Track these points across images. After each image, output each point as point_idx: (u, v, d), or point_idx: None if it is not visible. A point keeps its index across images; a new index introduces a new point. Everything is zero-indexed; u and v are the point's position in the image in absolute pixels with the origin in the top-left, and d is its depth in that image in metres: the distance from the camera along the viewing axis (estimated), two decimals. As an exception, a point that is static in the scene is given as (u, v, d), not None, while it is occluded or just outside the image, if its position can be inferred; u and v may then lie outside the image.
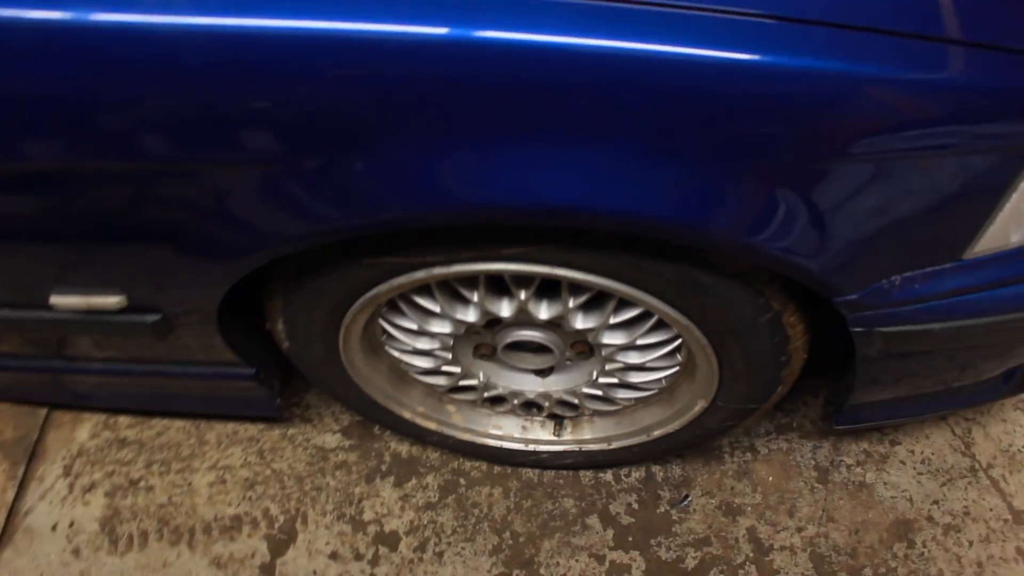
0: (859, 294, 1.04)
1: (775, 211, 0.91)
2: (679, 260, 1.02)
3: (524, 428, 1.57)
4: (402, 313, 1.26)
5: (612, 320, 1.19)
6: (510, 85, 0.80)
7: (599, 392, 1.40)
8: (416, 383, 1.51)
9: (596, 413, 1.52)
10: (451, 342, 1.30)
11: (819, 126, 0.82)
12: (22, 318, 1.19)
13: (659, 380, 1.34)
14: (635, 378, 1.33)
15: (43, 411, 1.81)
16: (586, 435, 1.54)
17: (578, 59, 0.78)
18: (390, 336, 1.33)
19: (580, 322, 1.20)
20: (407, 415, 1.54)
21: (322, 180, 0.89)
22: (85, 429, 1.79)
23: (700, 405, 1.34)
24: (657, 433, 1.45)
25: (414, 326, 1.27)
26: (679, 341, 1.24)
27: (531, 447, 1.56)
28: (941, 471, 1.58)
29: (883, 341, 1.13)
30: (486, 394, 1.47)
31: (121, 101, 0.82)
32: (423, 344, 1.32)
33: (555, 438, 1.55)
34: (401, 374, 1.49)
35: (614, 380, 1.35)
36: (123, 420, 1.79)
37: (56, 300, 1.12)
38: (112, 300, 1.11)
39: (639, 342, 1.24)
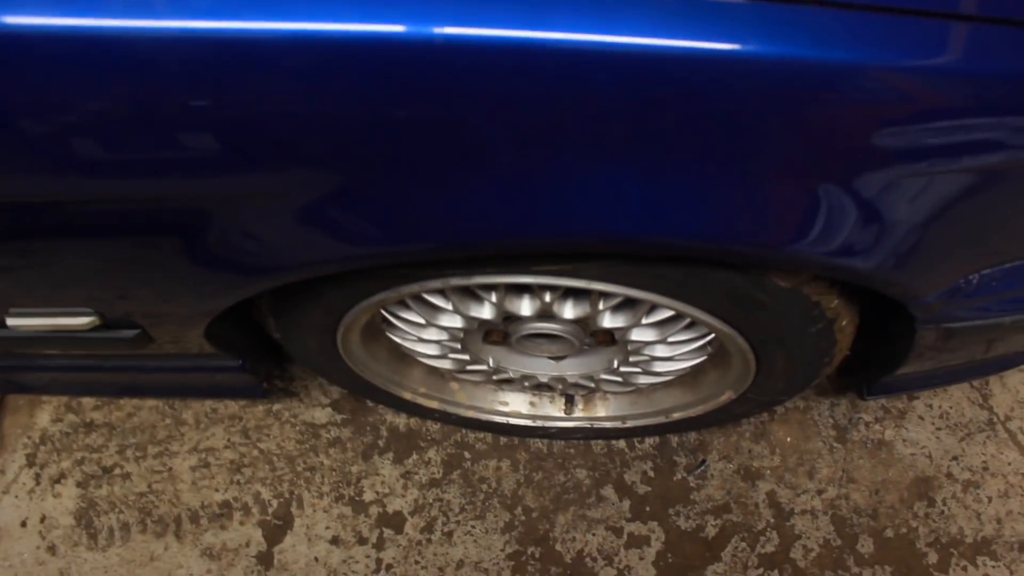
0: (936, 296, 0.94)
1: (857, 226, 0.79)
2: (734, 277, 0.90)
3: (532, 404, 1.47)
4: (408, 307, 1.12)
5: (644, 321, 1.08)
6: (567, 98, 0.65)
7: (618, 378, 1.30)
8: (418, 364, 1.39)
9: (611, 393, 1.42)
10: (461, 335, 1.17)
11: (844, 126, 0.69)
12: None
13: (685, 368, 1.24)
14: (659, 367, 1.23)
15: (-5, 396, 1.64)
16: (599, 413, 1.45)
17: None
18: (392, 325, 1.20)
19: (609, 322, 1.08)
20: (407, 396, 1.42)
21: (376, 205, 0.74)
22: (45, 413, 1.63)
23: (728, 395, 1.26)
24: (677, 416, 1.37)
25: (421, 320, 1.13)
26: (712, 335, 1.14)
27: (539, 423, 1.47)
28: (960, 425, 1.55)
29: (947, 334, 1.05)
30: (495, 377, 1.35)
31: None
32: (430, 335, 1.18)
33: (565, 415, 1.46)
34: (402, 356, 1.36)
35: (636, 369, 1.25)
36: (87, 401, 1.63)
37: (14, 322, 0.95)
38: (82, 321, 0.94)
39: (670, 339, 1.13)
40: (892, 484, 1.50)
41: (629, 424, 1.43)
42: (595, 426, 1.46)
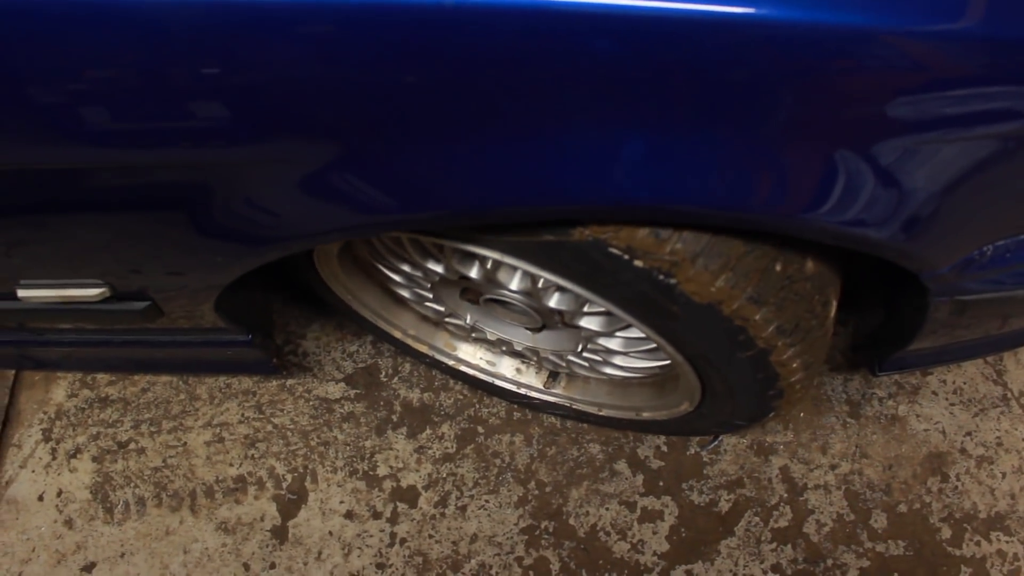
0: (949, 267, 0.94)
1: (871, 195, 0.78)
2: (641, 282, 0.86)
3: (518, 371, 1.48)
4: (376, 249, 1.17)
5: (587, 308, 1.07)
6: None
7: (585, 363, 1.30)
8: (410, 307, 1.43)
9: (590, 377, 1.43)
10: (428, 285, 1.21)
11: (860, 90, 0.68)
12: None
13: (650, 368, 1.24)
14: (619, 361, 1.23)
15: (10, 371, 1.64)
16: (576, 395, 1.45)
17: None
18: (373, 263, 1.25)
19: (554, 301, 1.08)
20: (398, 335, 1.46)
21: (386, 172, 0.74)
22: (61, 389, 1.63)
23: (685, 407, 1.24)
24: (646, 415, 1.36)
25: (389, 262, 1.18)
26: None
27: (523, 391, 1.49)
28: (973, 401, 1.55)
29: (960, 307, 1.04)
30: (474, 335, 1.38)
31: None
32: (401, 279, 1.23)
33: (545, 388, 1.47)
34: (395, 296, 1.39)
35: (598, 358, 1.25)
36: (102, 376, 1.64)
37: (25, 294, 0.95)
38: (93, 292, 0.94)
39: (619, 334, 1.12)
40: (905, 460, 1.50)
41: (604, 412, 1.43)
42: (573, 406, 1.46)
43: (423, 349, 1.49)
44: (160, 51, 0.63)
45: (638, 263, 0.82)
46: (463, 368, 1.50)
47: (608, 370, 1.31)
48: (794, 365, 1.00)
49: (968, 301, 1.03)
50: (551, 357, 1.36)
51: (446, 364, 1.51)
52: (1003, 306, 1.09)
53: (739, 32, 0.63)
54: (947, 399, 1.55)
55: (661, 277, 0.83)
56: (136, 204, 0.83)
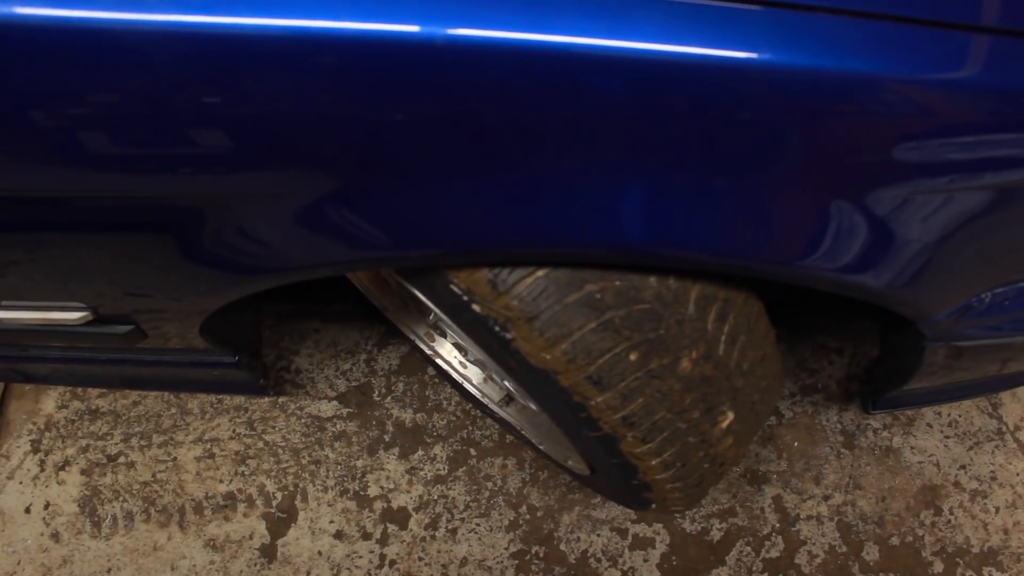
0: (947, 315, 0.93)
1: (869, 242, 0.78)
2: (479, 327, 0.82)
3: (485, 381, 1.48)
4: None
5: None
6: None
7: (515, 389, 1.30)
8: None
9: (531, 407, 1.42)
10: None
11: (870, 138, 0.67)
12: None
13: None
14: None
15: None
16: (525, 422, 1.44)
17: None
18: None
19: None
20: (387, 315, 1.49)
21: (379, 209, 0.73)
22: (51, 400, 1.62)
23: (586, 468, 1.20)
24: (570, 463, 1.33)
25: None
26: None
27: (485, 400, 1.48)
28: (968, 434, 1.54)
29: (956, 352, 1.04)
30: (438, 332, 1.42)
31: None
32: None
33: (499, 405, 1.46)
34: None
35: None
36: (93, 389, 1.63)
37: (4, 315, 0.94)
38: (74, 316, 0.93)
39: None
40: (899, 492, 1.49)
41: (543, 447, 1.41)
42: (522, 431, 1.45)
43: (406, 331, 1.50)
44: (156, 81, 0.62)
45: (476, 308, 0.79)
46: (439, 361, 1.50)
47: (531, 404, 1.30)
48: (653, 463, 0.92)
49: (965, 347, 1.03)
50: (494, 376, 1.35)
51: (424, 352, 1.52)
52: (1001, 351, 1.08)
53: (740, 77, 0.62)
54: (942, 431, 1.54)
55: (497, 328, 0.79)
56: (129, 230, 0.82)
